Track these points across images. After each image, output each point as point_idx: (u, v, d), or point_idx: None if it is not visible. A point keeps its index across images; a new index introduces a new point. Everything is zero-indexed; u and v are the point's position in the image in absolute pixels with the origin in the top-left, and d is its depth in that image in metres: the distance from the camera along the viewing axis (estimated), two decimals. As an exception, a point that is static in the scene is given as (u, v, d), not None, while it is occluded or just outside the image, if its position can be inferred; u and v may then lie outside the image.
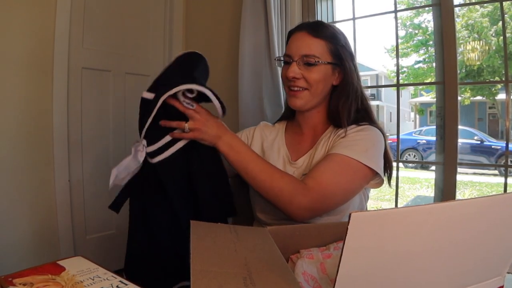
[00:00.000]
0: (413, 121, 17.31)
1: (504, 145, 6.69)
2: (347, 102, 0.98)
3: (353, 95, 0.98)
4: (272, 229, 0.72)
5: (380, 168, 0.90)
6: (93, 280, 0.61)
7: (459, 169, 1.59)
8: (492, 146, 8.33)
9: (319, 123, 1.03)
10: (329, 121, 1.02)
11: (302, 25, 1.00)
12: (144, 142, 0.84)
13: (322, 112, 1.02)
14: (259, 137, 1.10)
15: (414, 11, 11.41)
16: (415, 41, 11.31)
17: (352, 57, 1.00)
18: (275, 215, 0.95)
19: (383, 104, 18.86)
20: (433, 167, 4.92)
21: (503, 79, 1.53)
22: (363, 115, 1.00)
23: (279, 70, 1.45)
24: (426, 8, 3.74)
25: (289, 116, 1.12)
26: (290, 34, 1.01)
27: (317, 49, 0.94)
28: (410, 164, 8.69)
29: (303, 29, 0.97)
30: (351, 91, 0.98)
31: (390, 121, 19.05)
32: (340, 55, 0.97)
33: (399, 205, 1.89)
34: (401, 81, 11.05)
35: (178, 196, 0.85)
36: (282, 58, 1.01)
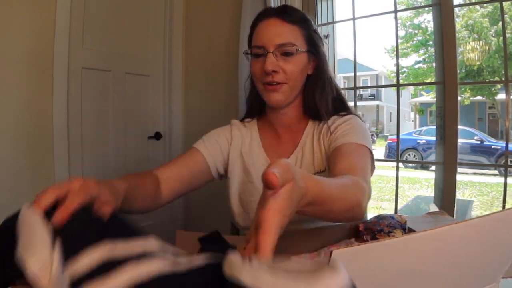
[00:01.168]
0: (413, 121, 17.32)
1: (504, 145, 6.68)
2: (324, 92, 0.91)
3: (329, 84, 0.92)
4: None
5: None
6: None
7: (459, 169, 1.59)
8: (492, 146, 8.33)
9: (295, 119, 0.94)
10: (306, 115, 0.94)
11: (268, 10, 0.88)
12: None
13: (297, 107, 0.93)
14: (238, 137, 0.96)
15: (414, 11, 11.42)
16: (415, 41, 11.31)
17: (323, 43, 0.92)
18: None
19: (383, 104, 18.85)
20: (433, 167, 4.92)
21: (503, 79, 1.52)
22: (340, 104, 0.95)
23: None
24: (426, 8, 3.75)
25: (256, 113, 1.00)
26: (257, 22, 0.88)
27: (293, 36, 0.84)
28: (410, 164, 8.69)
29: (272, 14, 0.85)
30: (326, 80, 0.92)
31: (390, 121, 19.05)
32: (314, 41, 0.89)
33: (399, 205, 1.89)
34: (401, 81, 11.05)
35: None
36: (249, 51, 0.88)
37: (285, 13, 0.85)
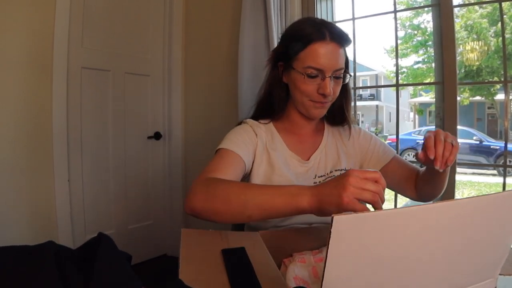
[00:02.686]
0: (412, 121, 17.31)
1: (503, 145, 6.68)
2: (349, 101, 1.03)
3: (351, 95, 1.04)
4: (265, 233, 0.72)
5: None
6: None
7: (458, 169, 1.59)
8: (491, 146, 8.34)
9: (317, 122, 1.06)
10: (323, 118, 1.05)
11: (324, 33, 0.89)
12: None
13: None
14: (261, 134, 0.99)
15: (413, 11, 11.42)
16: (414, 42, 11.30)
17: None
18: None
19: (382, 104, 18.85)
20: (432, 167, 4.88)
21: (502, 79, 1.53)
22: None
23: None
24: (426, 9, 3.75)
25: (275, 117, 1.04)
26: (310, 40, 0.89)
27: (342, 60, 0.92)
28: (409, 164, 8.67)
29: (331, 39, 0.89)
30: (350, 90, 1.03)
31: (390, 121, 19.05)
32: (347, 57, 0.97)
33: (398, 205, 1.89)
34: (400, 81, 11.04)
35: None
36: (307, 72, 0.90)
37: (340, 38, 0.91)
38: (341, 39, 0.91)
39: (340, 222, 0.32)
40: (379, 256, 0.37)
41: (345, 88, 0.99)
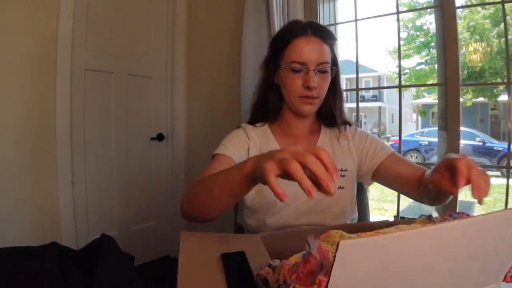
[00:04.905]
0: (415, 122, 17.27)
1: (506, 146, 6.63)
2: (339, 102, 1.03)
3: (342, 95, 1.04)
4: (265, 235, 0.72)
5: None
6: None
7: (461, 171, 1.58)
8: (494, 148, 8.30)
9: (312, 123, 1.06)
10: (318, 120, 1.06)
11: (304, 26, 0.95)
12: None
13: (315, 113, 1.05)
14: (255, 137, 1.02)
15: (416, 13, 11.39)
16: (417, 43, 11.29)
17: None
18: (262, 218, 0.95)
19: (385, 106, 18.82)
20: (435, 169, 4.84)
21: (505, 80, 1.52)
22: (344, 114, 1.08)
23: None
24: (428, 10, 3.74)
25: (269, 119, 1.06)
26: (291, 37, 0.95)
27: (327, 55, 0.94)
28: (412, 166, 8.64)
29: (312, 34, 0.94)
30: (340, 90, 1.04)
31: (392, 122, 19.01)
32: (335, 56, 1.00)
33: (401, 207, 1.88)
34: (403, 83, 11.00)
35: None
36: (279, 63, 0.96)
37: (321, 32, 0.95)
38: (322, 34, 0.94)
39: (346, 247, 0.32)
40: (383, 279, 0.37)
41: (334, 88, 1.01)
